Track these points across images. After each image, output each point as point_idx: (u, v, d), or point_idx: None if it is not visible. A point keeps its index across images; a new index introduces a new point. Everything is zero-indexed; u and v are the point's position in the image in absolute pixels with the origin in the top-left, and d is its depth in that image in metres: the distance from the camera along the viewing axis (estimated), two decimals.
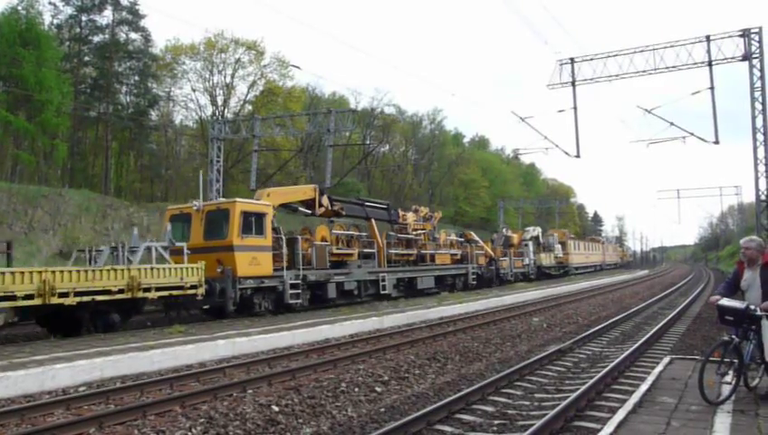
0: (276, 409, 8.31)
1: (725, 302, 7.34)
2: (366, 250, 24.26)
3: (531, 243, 45.22)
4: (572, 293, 32.89)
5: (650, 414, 6.91)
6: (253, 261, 17.90)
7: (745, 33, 24.29)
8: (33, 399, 8.89)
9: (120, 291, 14.19)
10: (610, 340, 15.40)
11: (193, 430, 7.37)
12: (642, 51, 25.61)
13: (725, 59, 24.45)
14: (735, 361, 7.10)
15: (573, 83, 26.74)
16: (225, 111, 51.10)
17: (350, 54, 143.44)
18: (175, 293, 15.59)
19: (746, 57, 24.27)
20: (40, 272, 12.78)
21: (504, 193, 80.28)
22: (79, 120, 45.22)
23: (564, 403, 7.94)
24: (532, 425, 7.15)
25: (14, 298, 12.21)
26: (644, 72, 25.60)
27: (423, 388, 10.02)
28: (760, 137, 24.36)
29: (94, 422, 7.57)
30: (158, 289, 15.08)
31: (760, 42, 24.18)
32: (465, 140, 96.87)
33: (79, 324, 14.07)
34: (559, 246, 52.25)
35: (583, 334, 15.50)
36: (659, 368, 9.44)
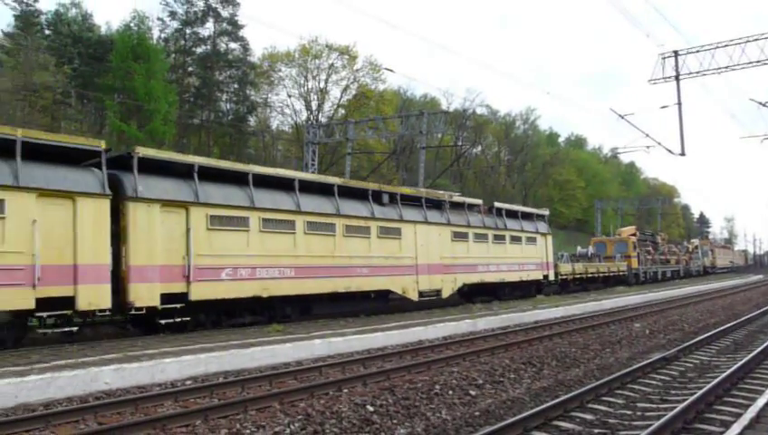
0: (371, 409, 8.40)
1: None
2: None
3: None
4: (676, 298, 31.25)
5: None
6: None
7: None
8: (145, 390, 9.46)
9: None
10: (721, 349, 14.48)
11: (291, 427, 7.57)
12: (756, 39, 23.97)
13: None
14: None
15: (677, 77, 25.36)
16: (320, 115, 52.38)
17: (441, 55, 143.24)
18: None
19: None
20: None
21: (602, 194, 77.59)
22: (183, 128, 47.65)
23: (671, 414, 7.54)
24: None
25: None
26: (757, 62, 23.95)
27: (518, 392, 9.83)
28: None
29: (200, 415, 7.94)
30: None
31: None
32: (560, 139, 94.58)
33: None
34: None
35: (690, 342, 14.67)
36: None
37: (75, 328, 12.82)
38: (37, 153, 12.30)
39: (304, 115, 53.11)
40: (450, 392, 9.52)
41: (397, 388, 9.60)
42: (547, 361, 12.37)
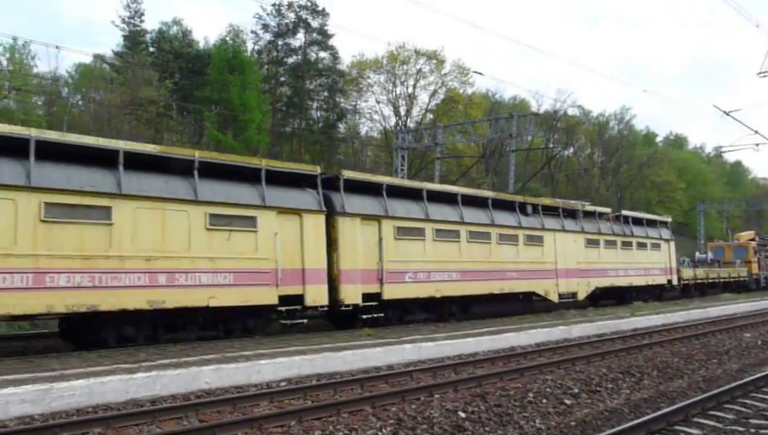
0: (463, 415, 8.31)
1: None
2: None
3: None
4: None
5: None
6: None
7: None
8: (242, 390, 9.79)
9: None
10: None
11: (383, 431, 7.61)
12: None
13: None
14: None
15: None
16: (408, 120, 52.66)
17: (530, 56, 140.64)
18: None
19: None
20: None
21: (705, 195, 73.42)
22: (276, 136, 49.15)
23: None
24: None
25: None
26: None
27: (617, 403, 9.44)
28: None
29: (294, 416, 8.12)
30: None
31: None
32: (658, 139, 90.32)
33: None
34: None
35: None
36: None
37: (305, 320, 15.76)
38: (274, 178, 15.19)
39: (393, 121, 53.62)
40: (544, 401, 9.28)
41: (489, 395, 9.46)
42: (647, 371, 11.82)
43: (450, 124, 39.36)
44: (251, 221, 14.38)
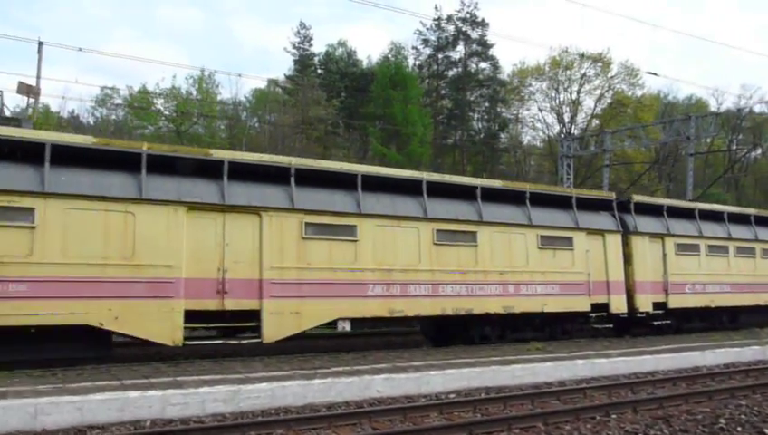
0: None
1: None
2: None
3: None
4: None
5: None
6: None
7: None
8: (412, 400, 9.95)
9: None
10: None
11: None
12: None
13: None
14: None
15: None
16: (572, 127, 50.82)
17: (708, 50, 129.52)
18: None
19: None
20: None
21: None
22: (438, 148, 49.69)
23: None
24: None
25: None
26: None
27: None
28: None
29: (464, 429, 8.08)
30: None
31: None
32: None
33: None
34: None
35: None
36: None
37: (610, 325, 18.11)
38: (580, 204, 17.67)
39: (557, 128, 52.05)
40: (739, 429, 8.41)
41: (673, 418, 8.78)
42: None
43: (619, 129, 37.41)
44: (568, 241, 17.05)
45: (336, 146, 46.75)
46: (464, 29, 49.78)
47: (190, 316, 11.78)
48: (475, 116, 52.29)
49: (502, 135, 53.42)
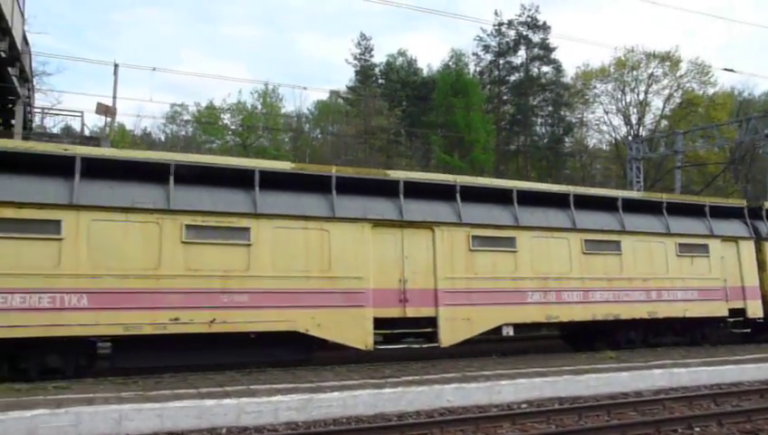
0: None
1: None
2: None
3: None
4: None
5: None
6: None
7: None
8: (483, 410, 9.81)
9: None
10: None
11: None
12: None
13: None
14: None
15: None
16: (640, 129, 49.27)
17: None
18: None
19: None
20: None
21: None
22: (501, 155, 49.15)
23: None
24: None
25: None
26: None
27: None
28: None
29: None
30: None
31: None
32: None
33: None
34: None
35: None
36: None
37: (749, 330, 18.07)
38: (713, 212, 17.99)
39: (623, 131, 50.51)
40: None
41: (762, 432, 8.35)
42: None
43: (690, 129, 36.06)
44: (704, 248, 17.43)
45: (399, 155, 46.94)
46: (525, 33, 49.16)
47: (377, 323, 12.87)
48: (539, 121, 51.45)
49: (566, 139, 52.35)
